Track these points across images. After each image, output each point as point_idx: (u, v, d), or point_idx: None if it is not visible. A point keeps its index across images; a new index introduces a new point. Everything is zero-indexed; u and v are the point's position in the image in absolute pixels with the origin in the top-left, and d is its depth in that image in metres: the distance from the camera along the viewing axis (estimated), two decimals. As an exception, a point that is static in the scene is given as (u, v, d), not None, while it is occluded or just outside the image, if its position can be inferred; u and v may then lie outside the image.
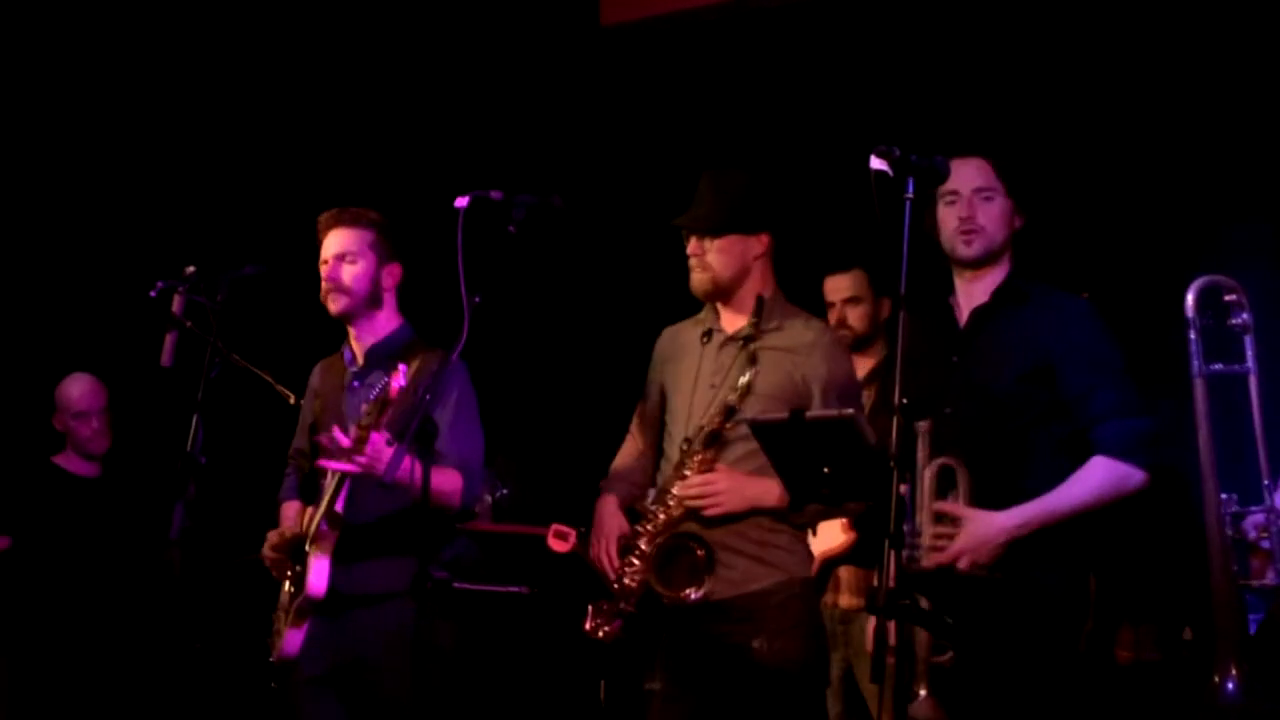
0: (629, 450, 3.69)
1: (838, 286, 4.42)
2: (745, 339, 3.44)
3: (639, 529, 3.44)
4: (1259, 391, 2.96)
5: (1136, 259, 4.33)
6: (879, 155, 2.90)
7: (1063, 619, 3.09)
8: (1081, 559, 3.12)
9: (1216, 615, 2.86)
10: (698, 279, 3.50)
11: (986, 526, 3.04)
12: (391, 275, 3.69)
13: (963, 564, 3.02)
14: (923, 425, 3.06)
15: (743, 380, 3.40)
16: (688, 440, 3.43)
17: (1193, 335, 3.02)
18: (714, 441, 3.41)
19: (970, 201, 3.18)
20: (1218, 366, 2.98)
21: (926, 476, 3.05)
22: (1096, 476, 3.06)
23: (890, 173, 2.89)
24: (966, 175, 3.18)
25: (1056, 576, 3.09)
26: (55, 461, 4.98)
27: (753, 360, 3.40)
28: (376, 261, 3.65)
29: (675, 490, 3.41)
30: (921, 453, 3.07)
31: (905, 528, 2.97)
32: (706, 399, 3.45)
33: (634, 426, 3.70)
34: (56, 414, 4.97)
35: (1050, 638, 3.06)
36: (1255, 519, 2.89)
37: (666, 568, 3.36)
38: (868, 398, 4.14)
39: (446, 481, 3.46)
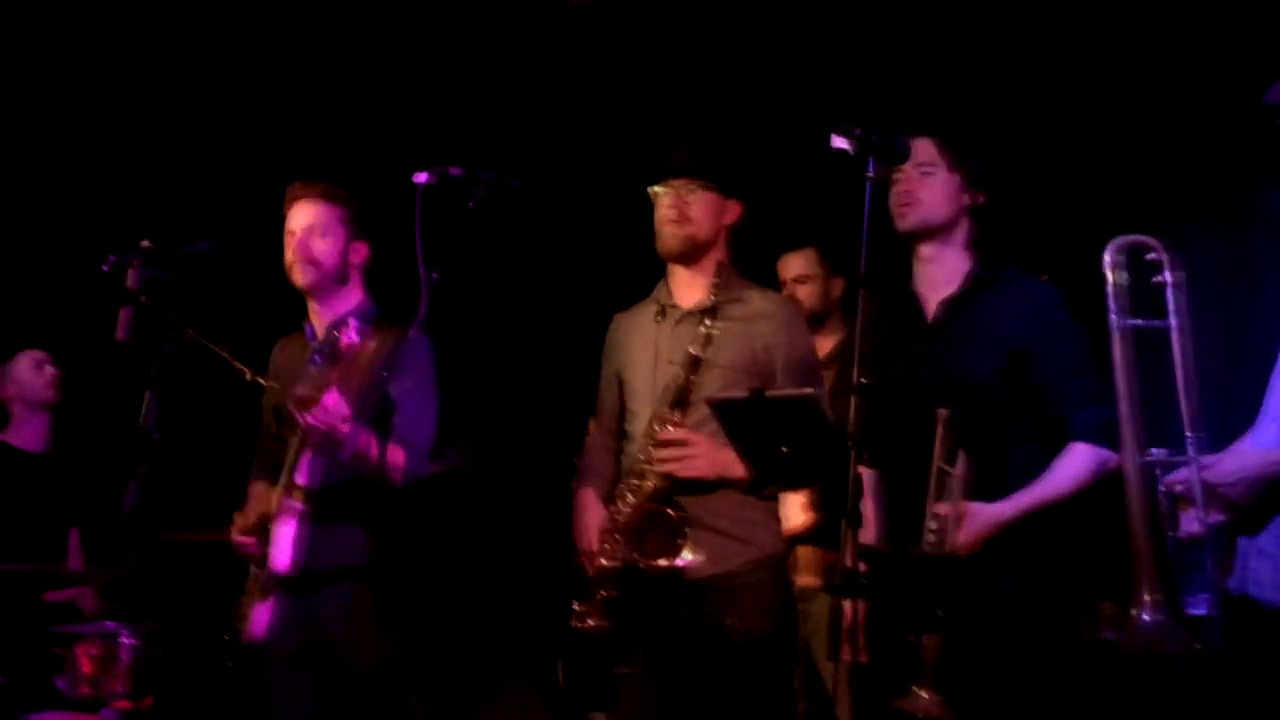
0: (592, 445, 3.68)
1: (789, 265, 4.44)
2: (705, 311, 3.44)
3: (612, 511, 3.43)
4: (1181, 346, 3.00)
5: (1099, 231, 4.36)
6: (840, 134, 2.89)
7: (1053, 608, 3.12)
8: (1061, 547, 3.15)
9: (1134, 554, 2.92)
10: (674, 233, 3.48)
11: (984, 518, 3.07)
12: (359, 253, 3.67)
13: (964, 548, 3.05)
14: (943, 413, 3.07)
15: (702, 329, 3.38)
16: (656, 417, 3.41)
17: (1109, 290, 3.05)
18: (681, 401, 3.39)
19: (909, 176, 3.19)
20: (1136, 321, 3.03)
21: (958, 468, 3.05)
22: (1081, 462, 3.12)
23: (851, 151, 2.89)
24: (914, 152, 3.19)
25: (1041, 568, 3.11)
26: (1, 438, 4.91)
27: (713, 314, 3.40)
28: (346, 237, 3.63)
29: (647, 456, 3.39)
30: (942, 442, 3.07)
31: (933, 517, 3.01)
32: (668, 375, 3.44)
33: (593, 423, 3.69)
34: (3, 384, 4.90)
35: (1044, 628, 3.10)
36: (1181, 472, 2.94)
37: (642, 540, 3.34)
38: (827, 378, 4.16)
39: (392, 455, 3.42)
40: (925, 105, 4.46)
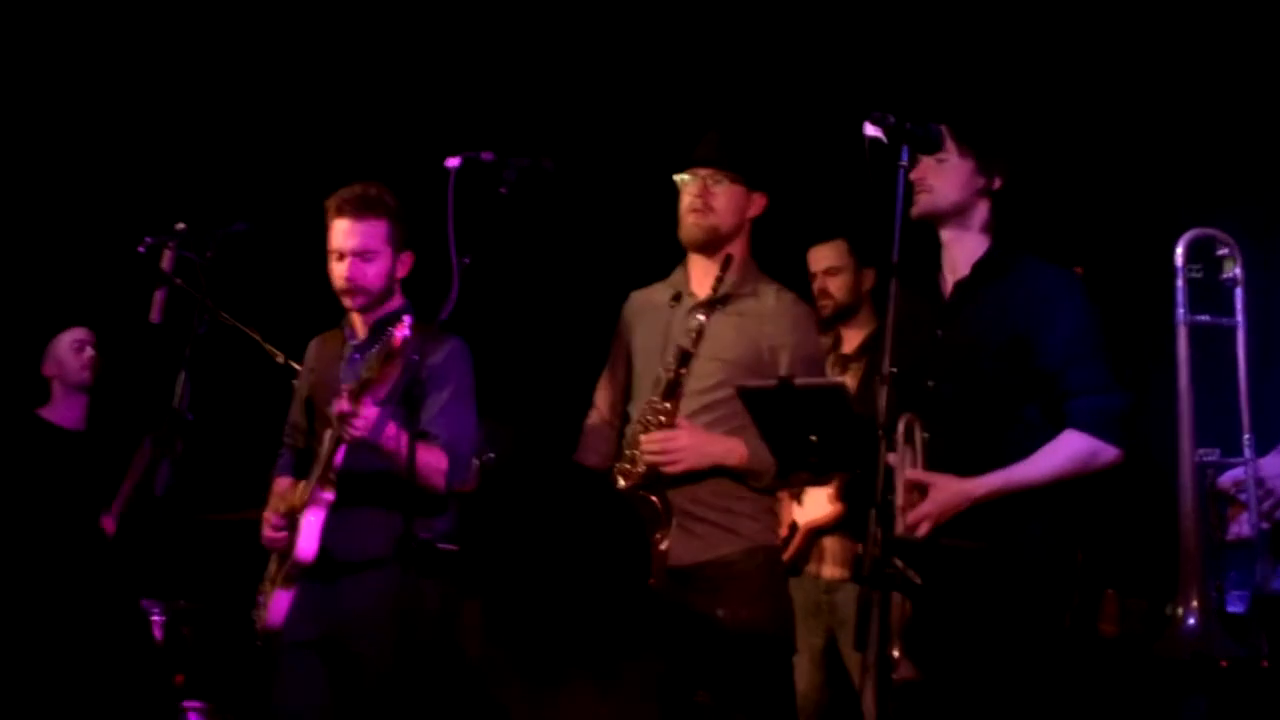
0: (593, 419, 3.68)
1: (819, 257, 4.42)
2: (715, 302, 3.45)
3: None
4: (1245, 345, 2.97)
5: (1136, 220, 4.32)
6: (873, 122, 2.88)
7: (1046, 591, 3.09)
8: (1065, 531, 3.12)
9: (1182, 555, 2.89)
10: (697, 222, 3.47)
11: (951, 492, 3.03)
12: (404, 265, 3.63)
13: (923, 529, 3.00)
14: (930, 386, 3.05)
15: (694, 322, 3.39)
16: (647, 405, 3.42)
17: (1180, 284, 3.02)
18: (672, 392, 3.40)
19: (923, 163, 3.17)
20: (1204, 317, 3.00)
21: (900, 443, 3.04)
22: (1065, 450, 3.07)
23: (884, 140, 2.88)
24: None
25: (1041, 548, 3.09)
26: (39, 414, 4.97)
27: (721, 304, 3.40)
28: (393, 255, 3.59)
29: (637, 444, 3.39)
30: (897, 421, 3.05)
31: (890, 497, 2.97)
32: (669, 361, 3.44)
33: (597, 395, 3.68)
34: (46, 361, 4.97)
35: (1033, 610, 3.06)
36: (1234, 473, 2.91)
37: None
38: (858, 370, 4.15)
39: (433, 459, 3.43)
40: (940, 88, 4.41)
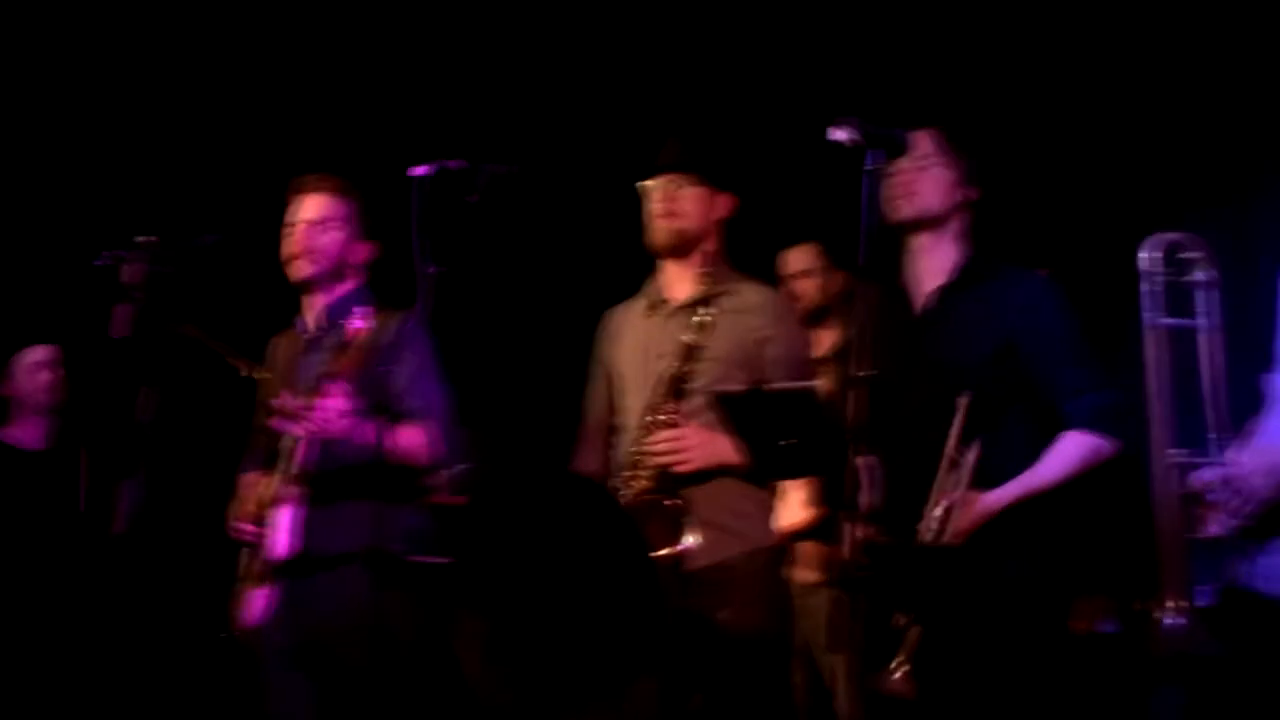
0: (583, 442, 3.67)
1: (790, 260, 4.44)
2: (699, 302, 3.44)
3: None
4: (1208, 346, 2.99)
5: (1103, 226, 4.35)
6: (839, 126, 2.89)
7: (1042, 598, 3.11)
8: (1056, 535, 3.14)
9: (1161, 555, 2.91)
10: (663, 227, 3.48)
11: (977, 507, 3.07)
12: (359, 253, 3.64)
13: (959, 535, 3.03)
14: (963, 400, 3.05)
15: (696, 317, 3.38)
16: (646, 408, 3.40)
17: (1144, 288, 3.05)
18: (677, 391, 3.38)
19: (907, 167, 3.19)
20: (1167, 320, 3.02)
21: (970, 457, 3.04)
22: (1072, 451, 3.11)
23: (849, 144, 2.88)
24: (914, 144, 3.18)
25: (1032, 558, 3.11)
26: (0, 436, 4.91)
27: (706, 305, 3.39)
28: (349, 234, 3.61)
29: (640, 448, 3.38)
30: (959, 429, 3.06)
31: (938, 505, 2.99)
32: (660, 367, 3.44)
33: (586, 412, 3.68)
34: (6, 381, 4.90)
35: (1031, 618, 3.08)
36: (1203, 473, 2.93)
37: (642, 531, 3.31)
38: (828, 373, 4.15)
39: (412, 438, 3.42)
40: (924, 97, 4.45)
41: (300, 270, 3.60)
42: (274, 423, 3.38)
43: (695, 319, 3.41)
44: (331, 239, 3.59)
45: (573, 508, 3.26)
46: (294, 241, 3.59)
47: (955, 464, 3.04)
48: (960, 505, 3.04)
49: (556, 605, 3.27)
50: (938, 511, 3.03)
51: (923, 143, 3.23)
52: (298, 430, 3.33)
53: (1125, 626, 4.02)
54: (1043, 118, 4.58)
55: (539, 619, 3.27)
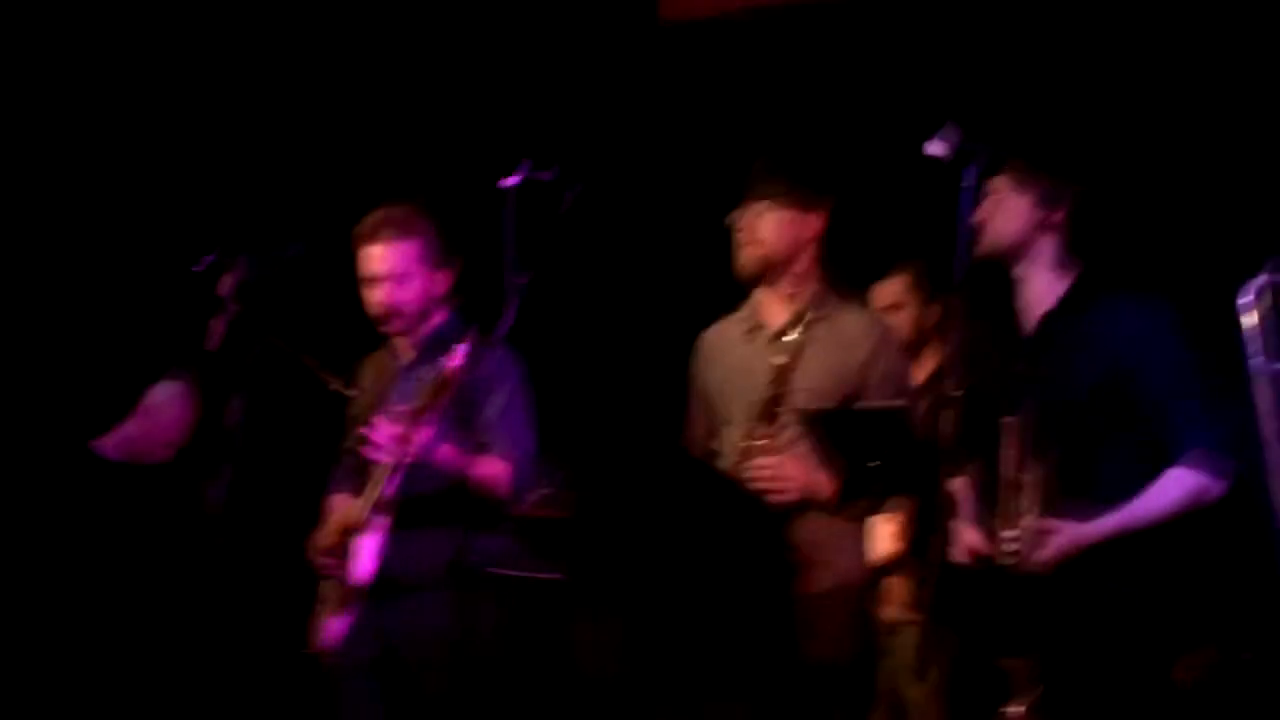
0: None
1: (882, 294, 4.33)
2: (793, 328, 3.39)
3: None
4: None
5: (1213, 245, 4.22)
6: (938, 139, 2.84)
7: (1141, 640, 2.99)
8: (1159, 576, 3.02)
9: None
10: (746, 256, 3.42)
11: (1069, 538, 2.95)
12: (442, 284, 3.60)
13: (1047, 563, 2.92)
14: (1009, 421, 2.96)
15: (786, 339, 3.33)
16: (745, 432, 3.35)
17: (1245, 332, 2.90)
18: (769, 414, 3.32)
19: (984, 204, 3.09)
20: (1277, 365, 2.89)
21: (1027, 480, 2.95)
22: (1175, 488, 2.98)
23: (947, 159, 2.83)
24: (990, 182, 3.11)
25: (1130, 598, 2.99)
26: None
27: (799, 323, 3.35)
28: (428, 274, 3.56)
29: (739, 474, 3.32)
30: (1009, 449, 2.97)
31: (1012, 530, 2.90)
32: (758, 391, 3.37)
33: (688, 433, 3.63)
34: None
35: (1129, 661, 2.96)
36: None
37: None
38: (923, 405, 4.07)
39: (494, 470, 3.41)
40: (994, 116, 4.36)
41: (391, 329, 3.60)
42: (365, 451, 3.36)
43: (786, 339, 3.35)
44: (414, 290, 3.55)
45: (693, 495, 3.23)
46: (377, 304, 3.56)
47: (1017, 486, 2.92)
48: (1042, 531, 2.92)
49: (688, 599, 3.23)
50: (1011, 534, 2.91)
51: (995, 178, 3.12)
52: (387, 460, 3.31)
53: (1233, 679, 3.86)
54: (1151, 146, 4.46)
55: (673, 615, 3.23)
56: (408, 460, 3.30)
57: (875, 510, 3.55)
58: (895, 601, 4.19)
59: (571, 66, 5.21)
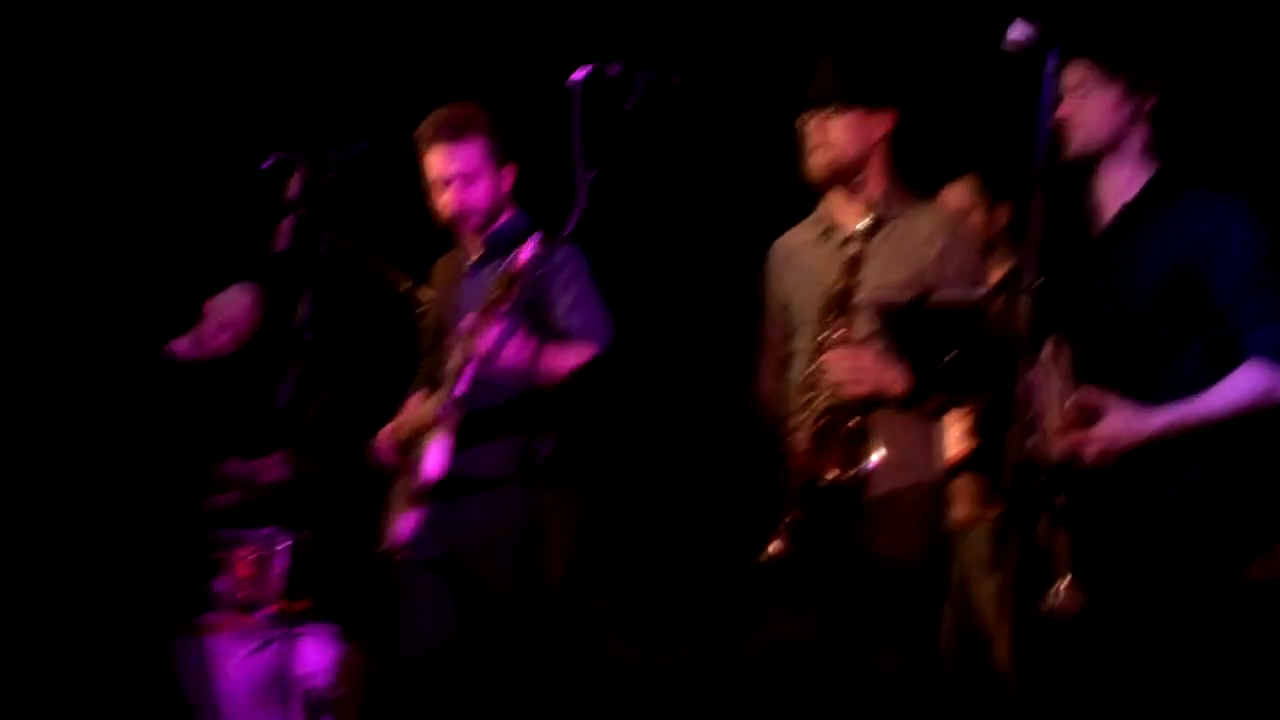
0: (763, 372, 3.60)
1: (948, 198, 4.27)
2: (869, 230, 3.33)
3: (786, 434, 3.33)
4: None
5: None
6: (1020, 25, 2.76)
7: (1213, 533, 2.93)
8: (1233, 476, 2.95)
9: None
10: (817, 160, 3.38)
11: (1126, 421, 2.88)
12: (508, 179, 3.62)
13: (1090, 455, 2.85)
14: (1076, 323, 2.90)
15: (859, 226, 3.29)
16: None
17: None
18: (842, 305, 3.28)
19: (1066, 101, 3.01)
20: None
21: (1049, 356, 2.89)
22: (1246, 383, 2.90)
23: (1030, 43, 2.75)
24: (1066, 77, 3.01)
25: (1203, 494, 2.93)
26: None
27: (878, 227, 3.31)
28: (495, 172, 3.58)
29: (813, 371, 3.29)
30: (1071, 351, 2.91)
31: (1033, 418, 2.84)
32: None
33: (762, 350, 3.61)
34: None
35: (1199, 555, 2.91)
36: None
37: (823, 455, 3.22)
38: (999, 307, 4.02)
39: (577, 356, 3.42)
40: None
41: (466, 228, 3.61)
42: (448, 343, 3.36)
43: (858, 227, 3.30)
44: (482, 190, 3.58)
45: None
46: (446, 205, 3.58)
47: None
48: (1088, 408, 2.85)
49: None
50: (1057, 419, 2.83)
51: (1072, 74, 3.04)
52: (463, 353, 3.31)
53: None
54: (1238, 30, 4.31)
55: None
56: (479, 356, 3.29)
57: (949, 407, 3.51)
58: (965, 500, 4.19)
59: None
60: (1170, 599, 2.88)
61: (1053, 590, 2.75)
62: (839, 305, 3.28)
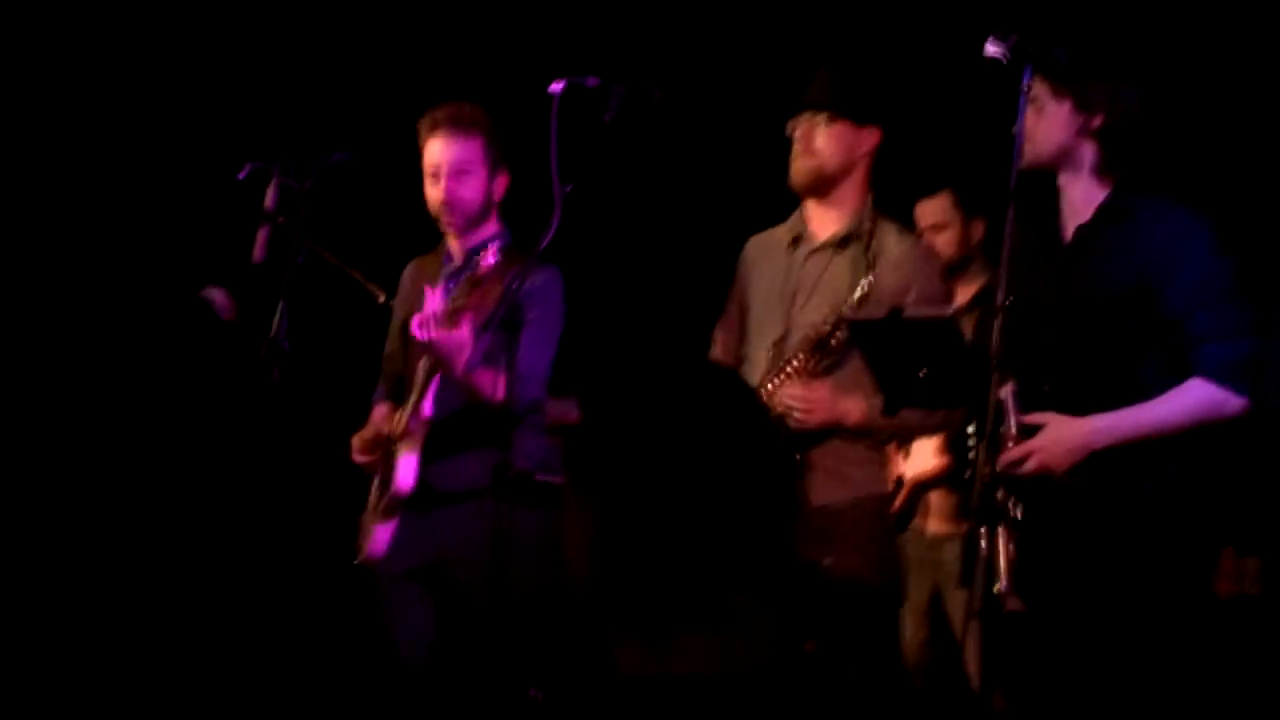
0: (715, 356, 3.60)
1: (925, 212, 4.28)
2: (842, 241, 3.36)
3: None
4: None
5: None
6: (995, 41, 2.78)
7: (1164, 538, 2.95)
8: (1182, 472, 2.97)
9: None
10: (800, 167, 3.40)
11: (1066, 429, 2.88)
12: (500, 187, 3.62)
13: (1030, 465, 2.84)
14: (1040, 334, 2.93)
15: (858, 294, 3.32)
16: (776, 344, 3.35)
17: None
18: (820, 349, 3.32)
19: (1026, 114, 2.96)
20: None
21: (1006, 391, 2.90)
22: (1189, 397, 2.89)
23: (1005, 60, 2.77)
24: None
25: (1152, 486, 2.94)
26: None
27: (871, 266, 3.32)
28: (489, 174, 3.58)
29: (770, 388, 3.32)
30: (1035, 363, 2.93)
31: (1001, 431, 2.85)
32: (787, 306, 3.39)
33: (716, 337, 3.63)
34: None
35: (1149, 557, 2.93)
36: None
37: None
38: (973, 323, 4.04)
39: (486, 378, 3.40)
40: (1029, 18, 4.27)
41: (450, 223, 3.60)
42: (413, 327, 3.35)
43: (857, 294, 3.33)
44: (476, 186, 3.57)
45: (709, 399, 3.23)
46: (440, 194, 3.57)
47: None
48: (1045, 428, 2.85)
49: (685, 502, 3.24)
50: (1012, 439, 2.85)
51: (1033, 88, 3.01)
52: (421, 335, 3.30)
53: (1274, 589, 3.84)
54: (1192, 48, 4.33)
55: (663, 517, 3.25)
56: (439, 343, 3.28)
57: (923, 429, 3.54)
58: (937, 515, 4.20)
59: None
60: (1124, 609, 2.88)
61: (993, 590, 2.76)
62: (815, 349, 3.32)
